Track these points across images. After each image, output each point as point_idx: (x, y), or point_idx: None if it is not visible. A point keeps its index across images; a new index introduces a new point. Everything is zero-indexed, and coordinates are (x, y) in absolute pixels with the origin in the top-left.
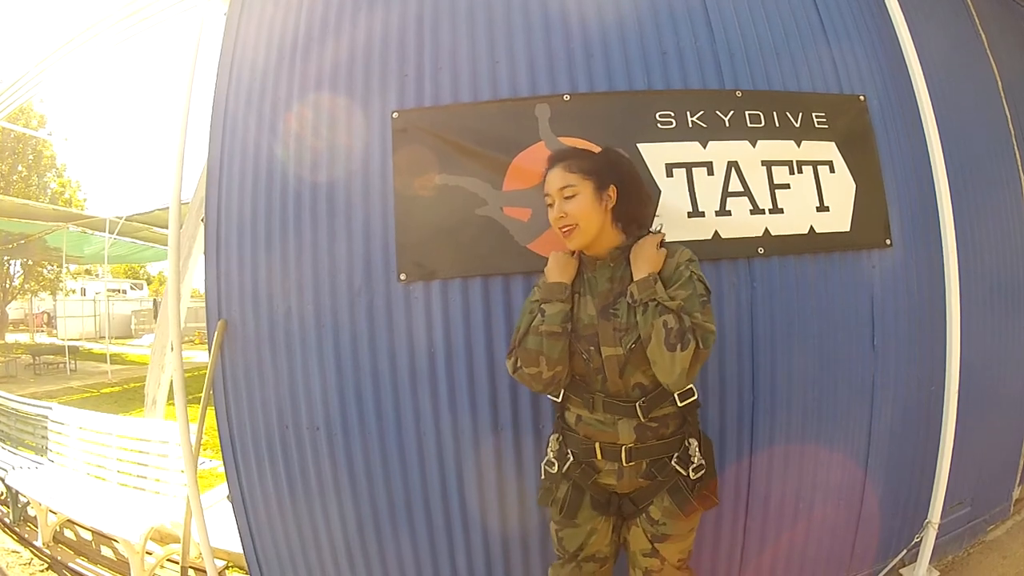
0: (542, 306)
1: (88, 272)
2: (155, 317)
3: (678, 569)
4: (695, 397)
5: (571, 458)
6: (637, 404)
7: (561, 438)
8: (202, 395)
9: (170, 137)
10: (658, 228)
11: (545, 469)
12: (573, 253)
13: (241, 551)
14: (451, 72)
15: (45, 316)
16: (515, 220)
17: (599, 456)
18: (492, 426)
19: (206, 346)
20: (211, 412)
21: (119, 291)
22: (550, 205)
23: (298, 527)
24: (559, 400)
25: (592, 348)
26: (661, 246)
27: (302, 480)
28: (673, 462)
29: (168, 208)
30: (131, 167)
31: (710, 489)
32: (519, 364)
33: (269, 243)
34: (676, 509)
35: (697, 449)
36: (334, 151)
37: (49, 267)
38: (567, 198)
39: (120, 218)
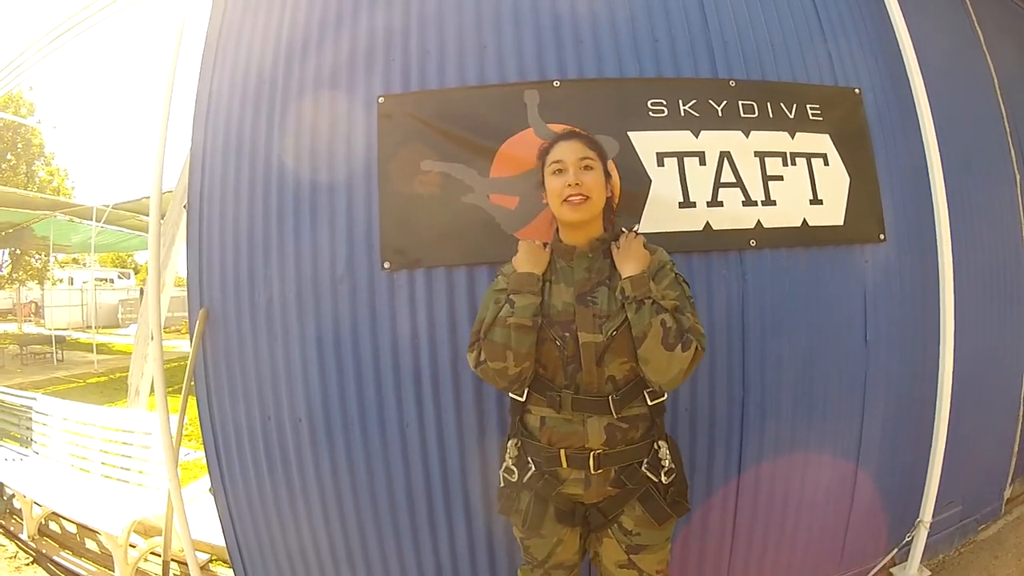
0: (511, 297)
1: (75, 261)
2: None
3: None
4: (664, 398)
5: (532, 467)
6: (610, 398)
7: (520, 444)
8: (183, 385)
9: (157, 124)
10: (636, 229)
11: (504, 477)
12: (545, 245)
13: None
14: (438, 57)
15: (33, 306)
16: (502, 208)
17: (564, 464)
18: (476, 417)
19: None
20: (194, 403)
21: (106, 280)
22: (559, 171)
23: (280, 520)
24: (522, 399)
25: (567, 334)
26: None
27: (284, 472)
28: (644, 468)
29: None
30: (120, 155)
31: (681, 494)
32: (483, 358)
33: (252, 230)
34: (649, 518)
35: (667, 452)
36: (319, 136)
37: (37, 256)
38: (586, 168)
39: (107, 206)
